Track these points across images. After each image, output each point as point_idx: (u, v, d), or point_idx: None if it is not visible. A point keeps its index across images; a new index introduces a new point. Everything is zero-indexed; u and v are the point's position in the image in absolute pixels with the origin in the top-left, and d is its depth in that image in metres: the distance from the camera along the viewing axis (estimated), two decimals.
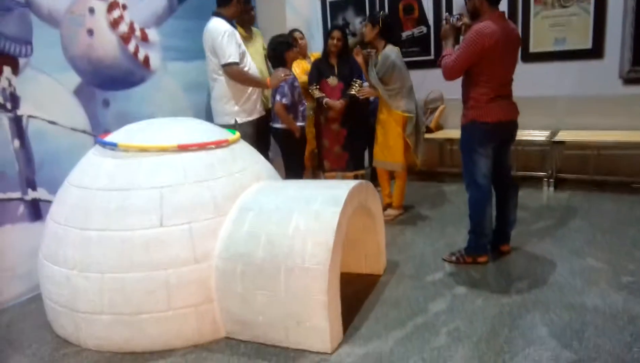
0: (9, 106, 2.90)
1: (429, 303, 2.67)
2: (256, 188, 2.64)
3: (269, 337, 2.35)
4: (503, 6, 4.13)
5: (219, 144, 2.64)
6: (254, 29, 4.20)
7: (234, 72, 3.46)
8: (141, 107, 3.68)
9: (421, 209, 4.23)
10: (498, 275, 2.96)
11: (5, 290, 2.94)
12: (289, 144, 3.87)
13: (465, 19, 3.05)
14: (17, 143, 2.95)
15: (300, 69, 4.43)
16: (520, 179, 4.32)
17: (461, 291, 2.78)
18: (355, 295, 2.78)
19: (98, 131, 3.34)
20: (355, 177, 4.21)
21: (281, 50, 3.80)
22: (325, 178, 4.36)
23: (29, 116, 2.99)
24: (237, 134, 2.89)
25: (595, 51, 4.43)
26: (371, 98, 4.20)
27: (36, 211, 3.05)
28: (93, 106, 3.38)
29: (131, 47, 3.61)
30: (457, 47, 2.99)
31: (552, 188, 4.47)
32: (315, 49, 5.15)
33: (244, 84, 3.56)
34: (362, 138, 4.34)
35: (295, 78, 3.85)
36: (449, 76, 2.94)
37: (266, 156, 3.41)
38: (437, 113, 5.02)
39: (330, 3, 5.57)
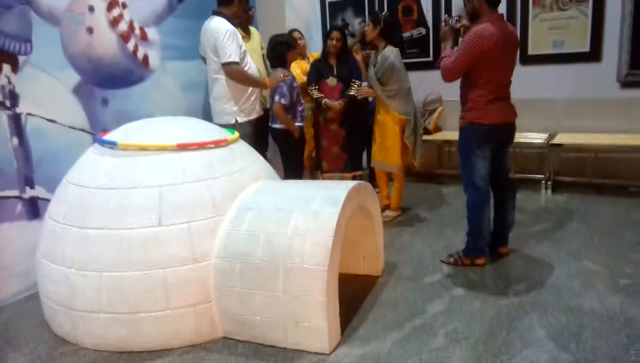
0: (8, 103, 2.89)
1: (427, 305, 2.67)
2: (255, 187, 2.64)
3: (267, 337, 2.35)
4: (502, 8, 4.15)
5: (218, 144, 2.64)
6: (251, 28, 4.19)
7: (234, 72, 3.46)
8: (140, 106, 3.68)
9: (419, 211, 4.23)
10: (496, 277, 2.96)
11: (2, 288, 2.93)
12: (287, 144, 3.87)
13: (464, 21, 3.06)
14: (15, 140, 2.94)
15: (299, 69, 4.43)
16: (518, 181, 4.33)
17: (459, 293, 2.78)
18: (354, 295, 2.78)
19: (97, 130, 3.34)
20: (354, 178, 4.21)
21: (283, 50, 3.80)
22: (324, 178, 4.36)
23: (28, 114, 2.99)
24: (236, 133, 2.89)
25: (593, 54, 4.45)
26: (370, 98, 4.21)
27: (34, 209, 3.04)
28: (92, 104, 3.38)
29: (130, 45, 3.61)
30: (455, 48, 3.00)
31: (549, 191, 4.48)
32: (314, 49, 5.15)
33: (243, 84, 3.56)
34: (360, 138, 4.34)
35: (293, 79, 3.85)
36: (448, 77, 2.95)
37: (264, 156, 3.41)
38: (435, 115, 5.03)
39: (330, 3, 5.58)
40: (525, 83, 4.53)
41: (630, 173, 4.42)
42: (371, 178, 4.48)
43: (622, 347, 2.21)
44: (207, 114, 3.94)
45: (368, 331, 2.46)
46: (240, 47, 3.51)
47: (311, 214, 2.34)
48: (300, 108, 3.89)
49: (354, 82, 4.12)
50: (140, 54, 3.68)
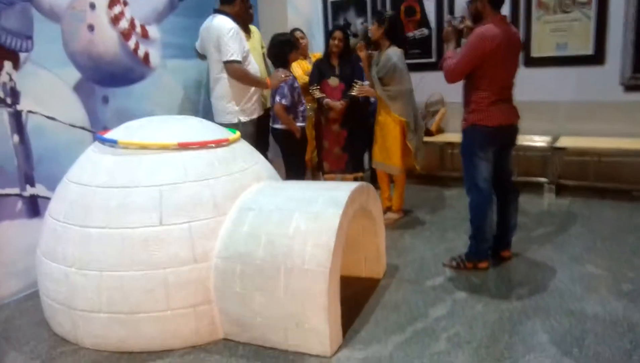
0: (9, 100, 2.87)
1: (429, 308, 2.65)
2: (256, 188, 2.62)
3: (268, 338, 2.33)
4: (505, 10, 4.13)
5: (219, 143, 2.62)
6: (251, 27, 4.17)
7: (235, 70, 3.44)
8: (140, 104, 3.66)
9: (421, 213, 4.21)
10: (498, 280, 2.95)
11: (2, 286, 2.91)
12: (289, 144, 3.85)
13: (468, 22, 3.05)
14: (16, 138, 2.92)
15: (300, 69, 4.41)
16: (520, 184, 4.29)
17: (461, 297, 2.76)
18: (355, 298, 2.76)
19: (97, 128, 3.32)
20: (355, 179, 4.20)
21: (284, 50, 3.78)
22: (325, 179, 4.34)
23: (29, 112, 2.97)
24: (238, 133, 2.88)
25: (597, 57, 4.43)
26: (371, 99, 4.19)
27: (34, 207, 3.02)
28: (92, 102, 3.36)
29: (131, 43, 3.59)
30: (458, 49, 2.99)
31: (552, 194, 4.45)
32: (316, 49, 5.14)
33: (244, 83, 3.54)
34: (362, 139, 4.33)
35: (295, 79, 3.83)
36: (451, 78, 2.94)
37: (265, 156, 3.40)
38: (438, 116, 5.01)
39: (332, 3, 5.56)
40: (528, 85, 4.50)
41: (633, 177, 4.40)
42: (372, 179, 4.46)
43: (625, 352, 2.20)
44: (207, 113, 3.93)
45: (369, 334, 2.44)
46: (244, 46, 3.49)
47: (313, 215, 2.32)
48: (301, 108, 3.87)
49: (356, 83, 4.11)
50: (141, 52, 3.66)
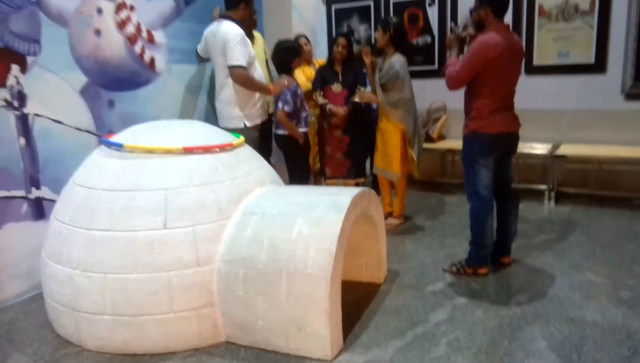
0: (16, 104, 2.91)
1: (429, 313, 2.67)
2: (260, 192, 2.65)
3: (269, 342, 2.35)
4: (508, 18, 4.17)
5: (223, 148, 2.65)
6: (255, 33, 4.21)
7: (240, 75, 3.48)
8: (146, 108, 3.69)
9: (422, 219, 4.24)
10: (498, 286, 2.97)
11: (6, 288, 2.94)
12: (292, 150, 3.88)
13: (470, 30, 3.08)
14: (22, 141, 2.96)
15: (303, 75, 4.45)
16: (521, 191, 4.33)
17: (461, 302, 2.78)
18: (356, 302, 2.79)
19: (102, 132, 3.36)
20: (357, 185, 4.22)
21: (288, 57, 3.82)
22: (327, 184, 4.37)
23: (35, 115, 3.00)
24: (242, 138, 2.91)
25: (598, 66, 4.46)
26: (373, 105, 4.22)
27: (39, 210, 3.05)
28: (98, 106, 3.39)
29: (137, 48, 3.63)
30: (461, 57, 3.02)
31: (552, 202, 4.48)
32: (319, 55, 5.17)
33: (248, 88, 3.57)
34: (364, 145, 4.36)
35: (297, 85, 3.87)
36: (452, 85, 2.97)
37: (268, 162, 3.43)
38: (439, 123, 5.04)
39: (336, 10, 5.60)
40: (530, 93, 4.55)
41: (633, 186, 4.43)
42: (374, 184, 4.49)
43: (624, 359, 2.21)
44: (211, 118, 3.96)
45: (370, 338, 2.46)
46: (250, 52, 3.53)
47: (315, 220, 2.34)
48: (304, 114, 3.91)
49: (358, 88, 4.14)
50: (147, 57, 3.70)
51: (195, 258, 2.34)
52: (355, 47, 4.50)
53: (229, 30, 3.46)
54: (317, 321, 2.23)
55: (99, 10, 3.36)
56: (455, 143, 4.82)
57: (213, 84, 3.80)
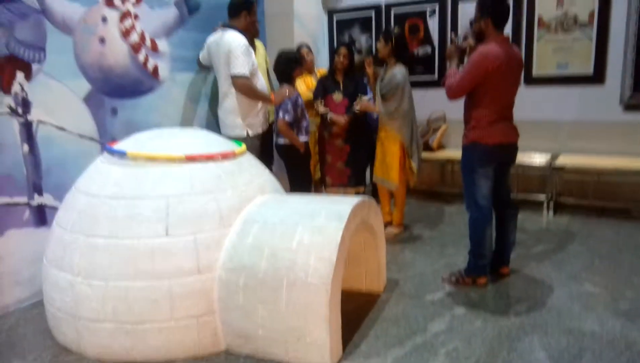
0: (20, 111, 2.93)
1: (428, 323, 2.68)
2: (261, 200, 2.66)
3: (269, 351, 2.36)
4: (507, 29, 4.21)
5: (226, 156, 2.67)
6: (256, 42, 4.25)
7: (243, 85, 3.51)
8: (148, 116, 3.72)
9: (422, 228, 4.25)
10: (497, 297, 2.98)
11: (7, 294, 2.94)
12: (293, 159, 3.90)
13: (471, 41, 3.11)
14: (26, 147, 2.98)
15: (304, 85, 4.48)
16: (520, 202, 4.35)
17: (460, 312, 2.79)
18: (355, 311, 2.79)
19: (105, 139, 3.38)
20: (357, 193, 4.24)
21: (290, 67, 3.85)
22: (327, 193, 4.39)
23: (39, 122, 3.02)
24: (244, 146, 2.93)
25: (597, 77, 4.50)
26: (374, 115, 4.25)
27: (41, 216, 3.06)
28: (101, 113, 3.42)
29: (141, 56, 3.66)
30: (461, 67, 3.05)
31: (551, 212, 4.50)
32: (321, 64, 5.21)
33: (250, 97, 3.61)
34: (364, 154, 4.38)
35: (298, 95, 3.90)
36: (452, 95, 3.00)
37: (270, 170, 3.45)
38: (439, 133, 5.07)
39: (338, 20, 5.65)
40: (529, 104, 4.59)
41: (632, 196, 4.45)
42: (374, 193, 4.51)
43: None
44: (213, 126, 3.99)
45: (369, 347, 2.47)
46: (253, 62, 3.56)
47: (316, 228, 2.36)
48: (305, 124, 3.93)
49: (359, 97, 4.16)
50: (150, 65, 3.73)
51: (196, 266, 2.36)
52: (357, 57, 4.53)
53: (233, 39, 3.49)
54: (317, 330, 2.24)
55: (104, 19, 3.40)
56: (454, 152, 4.85)
57: (215, 92, 3.83)
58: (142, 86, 3.69)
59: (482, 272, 3.11)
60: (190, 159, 2.54)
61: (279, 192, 2.94)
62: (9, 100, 2.89)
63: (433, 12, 5.12)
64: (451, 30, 5.04)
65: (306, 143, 3.93)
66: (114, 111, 3.50)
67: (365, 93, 4.24)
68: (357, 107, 4.11)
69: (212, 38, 3.70)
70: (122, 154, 2.55)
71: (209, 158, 2.59)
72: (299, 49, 4.50)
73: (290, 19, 4.98)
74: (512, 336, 2.53)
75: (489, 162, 2.97)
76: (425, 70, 5.26)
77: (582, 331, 2.55)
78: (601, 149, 4.52)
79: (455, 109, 3.41)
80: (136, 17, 3.60)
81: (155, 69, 3.77)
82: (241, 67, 3.46)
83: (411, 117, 3.87)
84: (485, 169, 2.97)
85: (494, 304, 2.88)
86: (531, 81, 4.73)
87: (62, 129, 3.15)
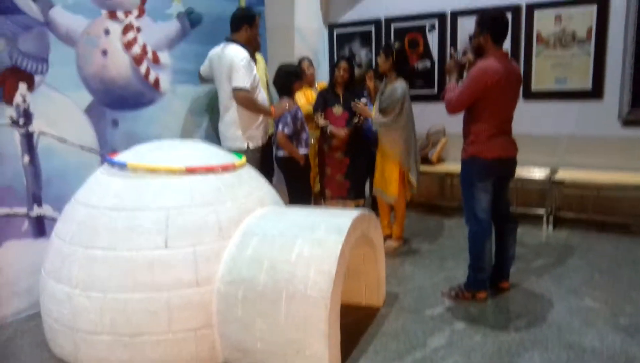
0: (21, 122, 2.94)
1: (428, 338, 2.67)
2: (260, 213, 2.67)
3: None
4: (506, 45, 4.24)
5: (226, 168, 2.68)
6: (257, 55, 4.28)
7: (244, 98, 3.53)
8: (149, 128, 3.73)
9: (421, 242, 4.25)
10: (497, 311, 2.97)
11: (5, 305, 2.93)
12: (292, 171, 3.92)
13: (470, 56, 3.14)
14: (26, 158, 2.98)
15: (304, 98, 4.51)
16: (519, 216, 4.35)
17: (460, 327, 2.78)
18: (355, 325, 2.78)
19: (105, 150, 3.39)
20: (356, 206, 4.24)
21: (290, 80, 3.89)
22: (326, 205, 4.39)
23: (40, 133, 3.03)
24: (244, 158, 2.94)
25: (595, 92, 4.52)
26: (374, 128, 4.26)
27: (40, 227, 3.06)
28: (102, 125, 3.43)
29: (143, 68, 3.69)
30: (460, 82, 3.07)
31: (551, 226, 4.49)
32: (321, 77, 5.24)
33: (250, 110, 3.62)
34: (364, 167, 4.39)
35: (298, 108, 3.92)
36: (452, 110, 3.01)
37: (270, 182, 3.46)
38: (439, 146, 5.09)
39: (338, 35, 5.70)
40: (528, 118, 4.61)
41: (631, 211, 4.45)
42: (373, 206, 4.51)
43: None
44: (213, 138, 4.00)
45: (369, 362, 2.45)
46: (254, 76, 3.59)
47: (315, 241, 2.36)
48: (304, 136, 3.95)
49: (357, 101, 4.13)
50: (152, 77, 3.75)
51: (195, 278, 2.35)
52: (357, 71, 4.57)
53: (235, 53, 3.52)
54: (316, 343, 2.23)
55: (107, 31, 3.43)
56: (454, 166, 4.85)
57: (216, 105, 3.85)
58: (143, 98, 3.71)
59: (482, 287, 3.10)
60: (191, 171, 2.55)
61: (279, 204, 2.94)
62: (10, 111, 2.90)
63: (432, 27, 5.17)
64: (450, 45, 5.08)
65: (306, 156, 3.94)
66: (115, 123, 3.52)
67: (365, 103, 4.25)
68: (356, 118, 4.11)
69: (214, 51, 3.72)
70: (122, 166, 2.56)
71: (209, 170, 2.60)
72: (300, 62, 4.54)
73: (291, 33, 5.03)
74: (512, 351, 2.51)
75: (488, 176, 2.98)
76: (425, 84, 5.30)
77: (583, 346, 2.54)
78: (600, 164, 4.52)
79: (455, 123, 3.43)
80: (139, 29, 3.63)
81: (157, 81, 3.79)
82: (242, 81, 3.49)
83: (408, 132, 3.87)
84: (485, 183, 2.97)
85: (494, 319, 2.87)
86: (530, 95, 4.76)
87: (63, 140, 3.16)
